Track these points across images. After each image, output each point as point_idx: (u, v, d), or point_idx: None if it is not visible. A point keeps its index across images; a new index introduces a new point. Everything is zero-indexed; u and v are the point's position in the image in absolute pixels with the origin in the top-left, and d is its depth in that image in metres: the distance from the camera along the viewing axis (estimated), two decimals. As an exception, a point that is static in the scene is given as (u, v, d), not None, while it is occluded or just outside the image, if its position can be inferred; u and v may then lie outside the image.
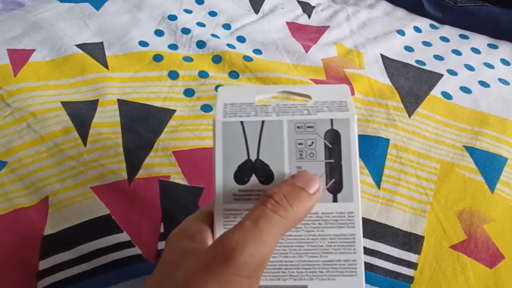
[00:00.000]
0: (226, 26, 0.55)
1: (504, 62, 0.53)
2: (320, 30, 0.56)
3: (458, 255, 0.37)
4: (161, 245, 0.37)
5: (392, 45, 0.54)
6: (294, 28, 0.56)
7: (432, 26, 0.58)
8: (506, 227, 0.38)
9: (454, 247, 0.37)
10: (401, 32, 0.56)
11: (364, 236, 0.35)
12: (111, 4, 0.56)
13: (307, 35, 0.55)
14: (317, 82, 0.48)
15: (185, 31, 0.53)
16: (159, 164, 0.40)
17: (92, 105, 0.44)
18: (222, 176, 0.26)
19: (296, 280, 0.25)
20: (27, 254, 0.37)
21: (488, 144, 0.43)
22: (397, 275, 0.36)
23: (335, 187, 0.26)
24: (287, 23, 0.57)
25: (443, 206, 0.39)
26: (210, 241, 0.25)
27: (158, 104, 0.45)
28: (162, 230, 0.38)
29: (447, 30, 0.57)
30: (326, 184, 0.26)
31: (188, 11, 0.56)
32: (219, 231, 0.25)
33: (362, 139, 0.42)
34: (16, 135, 0.42)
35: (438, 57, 0.53)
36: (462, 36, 0.57)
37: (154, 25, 0.54)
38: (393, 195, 0.40)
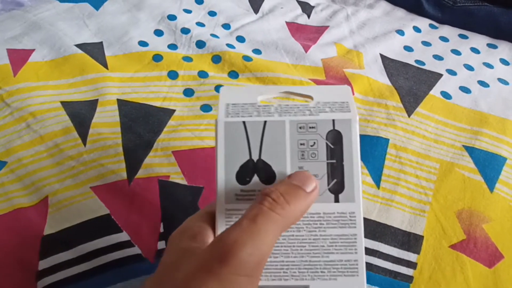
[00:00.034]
0: (226, 26, 0.55)
1: (504, 62, 0.53)
2: (320, 30, 0.56)
3: (458, 255, 0.37)
4: (161, 244, 0.37)
5: (391, 45, 0.54)
6: (294, 28, 0.56)
7: (431, 26, 0.58)
8: (505, 227, 0.38)
9: (453, 246, 0.37)
10: (400, 32, 0.56)
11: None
12: (110, 4, 0.56)
13: (306, 35, 0.55)
14: (316, 82, 0.48)
15: (185, 31, 0.53)
16: (159, 164, 0.40)
17: (91, 105, 0.44)
18: (224, 176, 0.26)
19: (298, 280, 0.25)
20: (26, 254, 0.37)
21: (487, 144, 0.43)
22: (396, 274, 0.36)
23: (337, 187, 0.26)
24: (287, 23, 0.57)
25: (442, 206, 0.39)
26: (211, 241, 0.25)
27: (157, 104, 0.45)
28: (161, 229, 0.38)
29: (447, 30, 0.57)
30: (328, 185, 0.26)
31: (188, 11, 0.56)
32: (221, 231, 0.25)
33: (362, 138, 0.42)
34: (16, 135, 0.42)
35: (438, 57, 0.53)
36: (462, 36, 0.57)
37: (154, 25, 0.54)
38: (393, 194, 0.40)
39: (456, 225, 0.38)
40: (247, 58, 0.50)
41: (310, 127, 0.26)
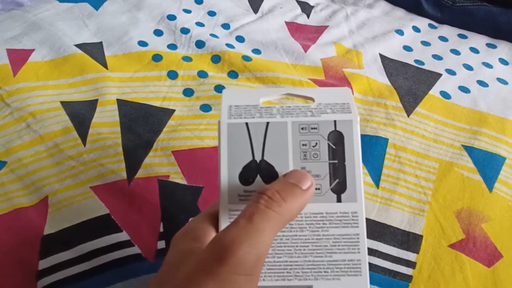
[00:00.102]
0: (225, 26, 0.55)
1: (503, 61, 0.53)
2: (319, 30, 0.56)
3: (457, 254, 0.37)
4: (161, 244, 0.37)
5: (391, 45, 0.54)
6: (293, 28, 0.56)
7: (430, 25, 0.58)
8: (504, 226, 0.38)
9: (452, 246, 0.37)
10: (400, 32, 0.56)
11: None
12: (110, 4, 0.56)
13: (306, 34, 0.55)
14: (316, 82, 0.48)
15: (184, 31, 0.53)
16: (159, 163, 0.40)
17: (91, 105, 0.44)
18: (227, 177, 0.26)
19: (301, 280, 0.26)
20: (26, 253, 0.37)
21: (486, 144, 0.43)
22: (395, 274, 0.37)
23: (339, 187, 0.26)
24: (286, 23, 0.57)
25: (441, 206, 0.39)
26: None
27: (157, 104, 0.45)
28: (161, 229, 0.38)
29: (446, 30, 0.57)
30: (330, 185, 0.26)
31: (187, 11, 0.57)
32: None
33: (361, 138, 0.42)
34: (16, 135, 0.42)
35: (437, 57, 0.53)
36: (461, 36, 0.57)
37: (153, 25, 0.54)
38: (392, 194, 0.40)
39: (455, 225, 0.38)
40: (246, 58, 0.50)
41: (312, 128, 0.27)
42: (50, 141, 0.41)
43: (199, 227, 0.26)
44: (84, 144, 0.41)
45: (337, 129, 0.27)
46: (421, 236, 0.38)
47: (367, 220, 0.38)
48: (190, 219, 0.38)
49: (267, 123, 0.27)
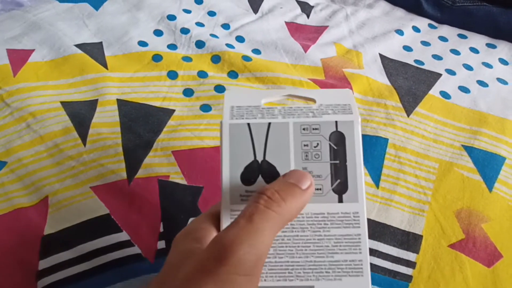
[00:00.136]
0: (225, 26, 0.55)
1: (503, 61, 0.53)
2: (319, 30, 0.56)
3: (457, 254, 0.37)
4: (161, 244, 0.37)
5: (390, 45, 0.54)
6: (293, 28, 0.56)
7: (430, 25, 0.58)
8: (504, 226, 0.38)
9: (452, 246, 0.37)
10: (399, 32, 0.56)
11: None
12: (110, 4, 0.56)
13: (306, 34, 0.55)
14: (316, 82, 0.48)
15: (184, 31, 0.53)
16: (159, 163, 0.40)
17: (91, 105, 0.44)
18: (229, 177, 0.26)
19: (303, 281, 0.26)
20: (26, 253, 0.37)
21: (486, 144, 0.43)
22: (395, 274, 0.37)
23: (341, 188, 0.26)
24: (286, 23, 0.57)
25: (441, 205, 0.39)
26: None
27: (157, 104, 0.45)
28: (161, 229, 0.38)
29: (446, 30, 0.58)
30: (332, 185, 0.26)
31: (187, 11, 0.57)
32: None
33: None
34: (16, 135, 0.42)
35: (437, 57, 0.53)
36: (461, 36, 0.57)
37: (153, 25, 0.54)
38: (392, 194, 0.40)
39: (455, 225, 0.38)
40: (246, 58, 0.50)
41: (313, 129, 0.27)
42: (50, 141, 0.41)
43: (201, 228, 0.26)
44: (84, 144, 0.41)
45: (339, 129, 0.27)
46: (421, 236, 0.38)
47: (367, 220, 0.38)
48: (191, 219, 0.38)
49: (269, 123, 0.27)
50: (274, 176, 0.26)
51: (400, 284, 0.36)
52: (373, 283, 0.36)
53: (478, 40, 0.56)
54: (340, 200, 0.26)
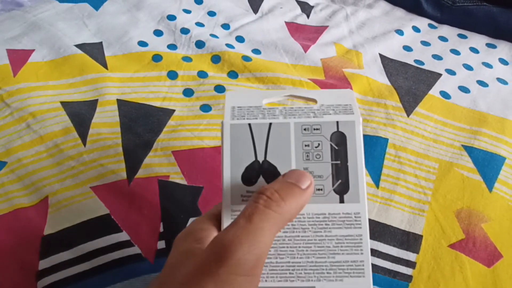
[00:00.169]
0: (225, 26, 0.55)
1: (503, 61, 0.53)
2: (319, 30, 0.56)
3: (457, 254, 0.37)
4: (161, 244, 0.37)
5: (390, 45, 0.54)
6: (293, 28, 0.56)
7: (430, 25, 0.58)
8: (504, 226, 0.38)
9: (452, 246, 0.37)
10: (399, 32, 0.56)
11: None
12: (110, 4, 0.56)
13: (306, 35, 0.55)
14: (316, 82, 0.48)
15: (184, 31, 0.53)
16: (159, 164, 0.40)
17: (91, 105, 0.44)
18: (230, 177, 0.26)
19: (304, 281, 0.26)
20: (27, 254, 0.37)
21: (486, 144, 0.43)
22: (395, 274, 0.37)
23: (342, 188, 0.26)
24: (286, 23, 0.57)
25: (441, 205, 0.39)
26: None
27: (157, 104, 0.45)
28: (161, 229, 0.38)
29: (446, 30, 0.57)
30: (333, 185, 0.26)
31: (187, 11, 0.57)
32: None
33: (361, 138, 0.43)
34: (16, 135, 0.42)
35: (437, 57, 0.53)
36: (461, 36, 0.57)
37: (153, 25, 0.54)
38: (392, 194, 0.40)
39: (455, 225, 0.38)
40: (246, 58, 0.50)
41: (314, 129, 0.27)
42: (50, 141, 0.41)
43: (201, 228, 0.26)
44: (84, 144, 0.41)
45: (340, 130, 0.27)
46: (421, 236, 0.38)
47: (367, 220, 0.38)
48: (191, 219, 0.38)
49: (270, 124, 0.27)
50: (275, 176, 0.26)
51: (400, 284, 0.36)
52: (373, 283, 0.36)
53: (478, 40, 0.56)
54: (342, 201, 0.26)
